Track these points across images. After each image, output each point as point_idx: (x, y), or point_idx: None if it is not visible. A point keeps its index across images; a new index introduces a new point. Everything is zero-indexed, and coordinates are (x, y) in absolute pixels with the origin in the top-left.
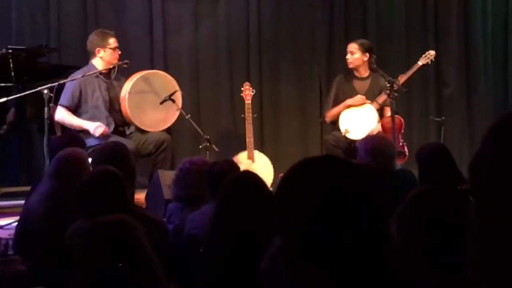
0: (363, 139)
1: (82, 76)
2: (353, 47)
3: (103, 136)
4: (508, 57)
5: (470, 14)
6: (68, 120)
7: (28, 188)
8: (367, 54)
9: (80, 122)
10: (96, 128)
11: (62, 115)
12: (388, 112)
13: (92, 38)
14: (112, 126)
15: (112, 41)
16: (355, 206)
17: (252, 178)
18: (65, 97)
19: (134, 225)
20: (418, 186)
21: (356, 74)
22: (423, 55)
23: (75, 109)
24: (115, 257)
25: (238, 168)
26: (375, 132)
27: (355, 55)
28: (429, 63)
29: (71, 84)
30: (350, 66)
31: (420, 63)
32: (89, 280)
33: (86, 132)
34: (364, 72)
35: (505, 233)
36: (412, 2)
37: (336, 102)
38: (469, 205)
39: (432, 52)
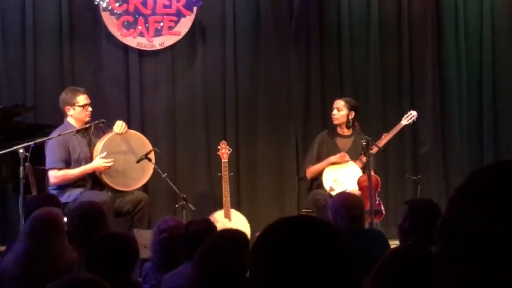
0: (333, 198)
1: (59, 135)
2: (340, 103)
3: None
4: (483, 114)
5: (445, 72)
6: (70, 174)
7: (3, 248)
8: (353, 113)
9: (81, 169)
10: (101, 164)
11: (60, 174)
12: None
13: (62, 96)
14: (89, 185)
15: (81, 99)
16: (330, 267)
17: (235, 236)
18: (53, 159)
19: (106, 285)
20: (387, 245)
21: (340, 131)
22: (406, 116)
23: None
24: None
25: (214, 227)
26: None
27: (341, 111)
28: (411, 123)
29: (54, 146)
30: (335, 122)
31: (403, 123)
32: None
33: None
34: (348, 131)
35: None
36: (387, 60)
37: (318, 158)
38: (439, 268)
39: (414, 113)
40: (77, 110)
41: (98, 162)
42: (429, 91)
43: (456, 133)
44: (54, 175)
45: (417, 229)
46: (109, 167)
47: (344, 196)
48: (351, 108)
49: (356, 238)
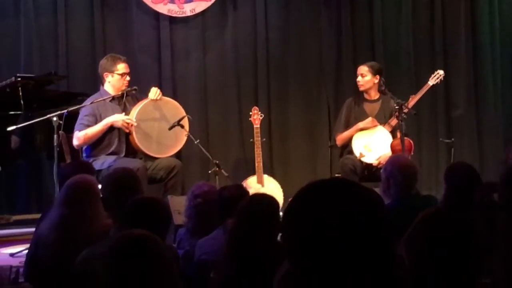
0: (388, 160)
1: (92, 102)
2: (363, 69)
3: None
4: None
5: (478, 34)
6: (90, 132)
7: (38, 216)
8: (378, 76)
9: (100, 124)
10: (121, 118)
11: (80, 134)
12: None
13: (102, 62)
14: (123, 153)
15: (121, 67)
16: (362, 228)
17: (266, 202)
18: (81, 124)
19: (160, 241)
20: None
21: (366, 96)
22: (433, 75)
23: None
24: (145, 274)
25: (247, 192)
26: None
27: (365, 77)
28: (439, 83)
29: (85, 112)
30: (361, 88)
31: (430, 83)
32: None
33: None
34: (375, 95)
35: None
36: (419, 24)
37: (347, 126)
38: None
39: (441, 72)
40: (115, 78)
41: (119, 116)
42: (462, 53)
43: (489, 95)
44: (76, 136)
45: (453, 193)
46: (128, 125)
47: (401, 160)
48: (375, 72)
49: (407, 203)
